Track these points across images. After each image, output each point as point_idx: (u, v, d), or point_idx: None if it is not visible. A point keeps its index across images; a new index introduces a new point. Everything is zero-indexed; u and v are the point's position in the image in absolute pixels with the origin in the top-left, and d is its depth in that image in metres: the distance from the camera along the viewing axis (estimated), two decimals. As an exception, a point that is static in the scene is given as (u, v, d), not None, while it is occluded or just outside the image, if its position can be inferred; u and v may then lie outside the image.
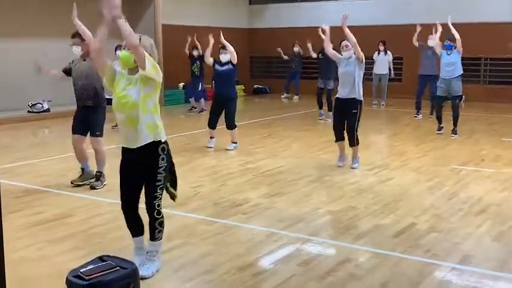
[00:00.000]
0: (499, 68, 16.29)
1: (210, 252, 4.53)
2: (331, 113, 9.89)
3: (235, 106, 8.96)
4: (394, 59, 14.87)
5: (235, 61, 8.66)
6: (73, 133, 6.59)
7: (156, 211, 4.02)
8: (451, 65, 9.91)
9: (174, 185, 4.23)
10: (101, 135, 6.57)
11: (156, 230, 4.07)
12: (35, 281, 4.03)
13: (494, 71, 16.45)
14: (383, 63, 14.49)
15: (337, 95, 7.51)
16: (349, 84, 7.25)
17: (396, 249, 4.59)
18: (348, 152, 7.66)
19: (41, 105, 13.11)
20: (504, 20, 15.41)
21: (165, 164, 4.00)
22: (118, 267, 3.55)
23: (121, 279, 3.49)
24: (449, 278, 4.09)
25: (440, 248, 4.64)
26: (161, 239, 4.14)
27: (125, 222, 4.17)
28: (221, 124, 8.99)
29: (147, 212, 4.05)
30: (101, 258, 3.69)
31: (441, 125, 10.19)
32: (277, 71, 19.50)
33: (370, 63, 13.60)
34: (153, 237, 4.09)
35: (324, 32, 8.09)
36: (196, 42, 13.54)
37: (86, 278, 3.42)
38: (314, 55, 12.29)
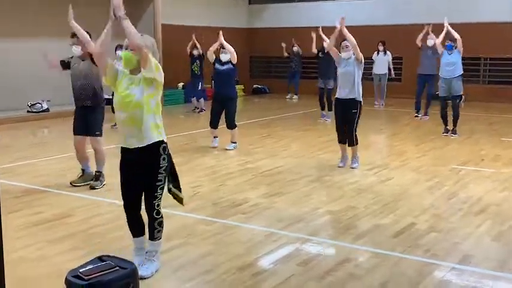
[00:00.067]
0: (498, 67, 16.29)
1: (209, 252, 4.52)
2: (331, 113, 9.90)
3: (236, 106, 8.96)
4: (393, 58, 14.87)
5: (235, 61, 8.66)
6: (75, 134, 6.58)
7: (155, 211, 4.02)
8: (451, 65, 9.92)
9: (177, 186, 4.23)
10: (100, 134, 6.57)
11: (156, 230, 4.07)
12: (34, 281, 4.02)
13: (494, 70, 16.46)
14: (382, 63, 14.49)
15: (336, 96, 7.50)
16: (349, 84, 7.25)
17: (396, 249, 4.59)
18: (348, 152, 7.65)
19: (40, 105, 13.11)
20: (504, 20, 15.41)
21: (166, 164, 4.01)
22: (117, 267, 3.55)
23: (120, 279, 3.49)
24: (448, 277, 4.09)
25: (439, 247, 4.64)
26: (160, 238, 4.14)
27: (127, 222, 4.17)
28: (221, 124, 8.98)
29: (146, 211, 4.05)
30: (100, 258, 3.69)
31: (447, 127, 10.17)
32: (277, 71, 19.52)
33: (369, 63, 13.61)
34: (152, 237, 4.10)
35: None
36: (196, 41, 13.54)
37: (85, 278, 3.42)
38: (315, 51, 12.24)
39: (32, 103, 13.07)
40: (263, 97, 18.42)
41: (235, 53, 8.63)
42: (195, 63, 13.60)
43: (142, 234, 4.18)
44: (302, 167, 7.68)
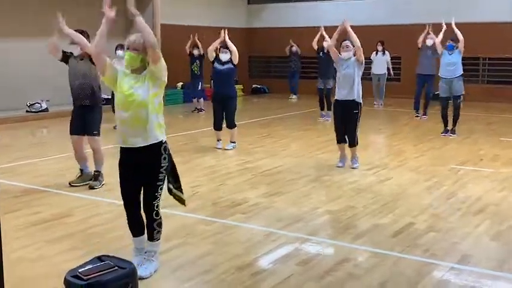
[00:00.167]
0: (497, 67, 16.31)
1: (208, 252, 4.52)
2: (331, 112, 9.89)
3: (236, 105, 8.95)
4: (392, 58, 14.87)
5: (236, 61, 8.66)
6: (72, 134, 6.58)
7: (155, 212, 4.03)
8: (452, 65, 9.92)
9: (178, 187, 4.24)
10: (98, 134, 6.56)
11: (155, 231, 4.08)
12: (33, 281, 4.02)
13: (492, 70, 16.47)
14: (381, 63, 14.48)
15: (335, 97, 7.48)
16: (348, 85, 7.23)
17: (395, 249, 4.59)
18: (348, 152, 7.64)
19: (39, 105, 13.10)
20: (504, 20, 15.41)
21: (167, 164, 4.02)
22: (116, 267, 3.55)
23: (119, 279, 3.49)
24: (447, 277, 4.09)
25: (438, 247, 4.64)
26: (159, 239, 4.15)
27: (127, 222, 4.17)
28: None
29: (145, 212, 4.05)
30: (99, 258, 3.68)
31: (447, 127, 10.18)
32: (276, 71, 19.52)
33: (368, 63, 13.60)
34: (151, 238, 4.10)
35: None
36: (197, 41, 13.55)
37: (84, 278, 3.42)
38: (315, 45, 12.17)
39: (31, 103, 13.07)
40: (262, 97, 18.43)
41: (237, 53, 8.63)
42: (195, 63, 13.60)
43: (142, 234, 4.18)
44: (301, 166, 7.68)
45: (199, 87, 13.87)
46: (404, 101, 14.67)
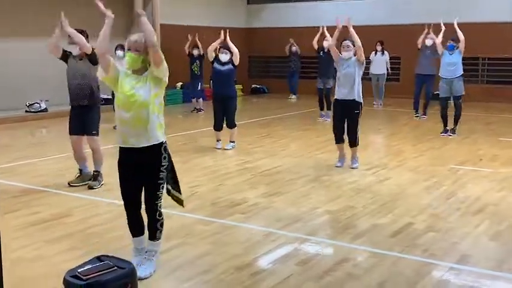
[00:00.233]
0: (496, 67, 16.31)
1: (207, 252, 4.53)
2: (330, 112, 9.88)
3: (236, 105, 8.95)
4: (391, 58, 14.87)
5: (237, 62, 8.66)
6: (71, 134, 6.57)
7: (158, 212, 4.03)
8: (452, 65, 9.91)
9: (177, 188, 4.23)
10: (97, 134, 6.55)
11: (157, 230, 4.09)
12: (32, 281, 4.02)
13: (492, 70, 16.47)
14: (380, 63, 14.48)
15: (335, 97, 7.47)
16: (349, 85, 7.22)
17: (394, 249, 4.60)
18: (347, 152, 7.64)
19: (38, 105, 13.10)
20: (504, 20, 15.41)
21: (167, 163, 4.02)
22: (116, 267, 3.55)
23: (118, 279, 3.49)
24: (447, 277, 4.10)
25: (437, 247, 4.65)
26: (161, 238, 4.16)
27: (127, 222, 4.16)
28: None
29: (147, 212, 4.04)
30: (98, 258, 3.68)
31: (446, 127, 10.18)
32: (275, 71, 19.51)
33: (367, 63, 13.58)
34: (153, 238, 4.11)
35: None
36: (198, 41, 13.55)
37: (84, 278, 3.42)
38: (315, 45, 12.14)
39: (30, 103, 13.06)
40: (261, 97, 18.43)
41: (238, 55, 8.62)
42: (194, 64, 13.60)
43: (142, 234, 4.18)
44: (301, 166, 7.69)
45: (199, 87, 13.87)
46: (403, 101, 14.67)
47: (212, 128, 9.04)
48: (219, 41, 8.81)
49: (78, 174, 6.67)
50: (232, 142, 8.97)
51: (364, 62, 7.30)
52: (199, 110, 13.75)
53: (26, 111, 12.98)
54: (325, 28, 11.43)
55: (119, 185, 4.08)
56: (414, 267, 4.26)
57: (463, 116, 10.40)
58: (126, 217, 4.16)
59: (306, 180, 6.95)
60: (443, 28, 10.72)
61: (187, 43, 13.79)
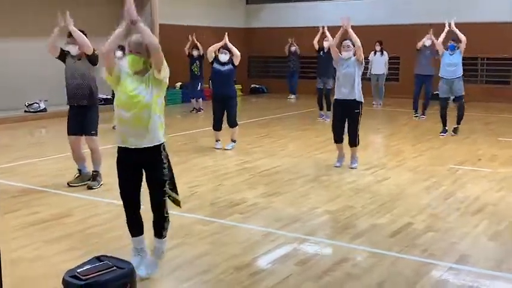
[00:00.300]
0: (496, 67, 16.32)
1: (207, 252, 4.53)
2: (330, 112, 9.88)
3: (236, 104, 8.95)
4: (390, 58, 14.87)
5: (237, 63, 8.66)
6: (69, 134, 6.56)
7: (165, 209, 4.01)
8: (453, 66, 9.89)
9: (174, 188, 4.23)
10: (95, 134, 6.55)
11: (165, 228, 4.07)
12: (31, 281, 4.02)
13: (491, 70, 16.48)
14: (379, 63, 14.48)
15: (335, 97, 7.47)
16: (349, 85, 7.21)
17: (393, 249, 4.60)
18: (346, 151, 7.64)
19: (37, 105, 13.10)
20: (504, 20, 15.42)
21: (167, 162, 4.00)
22: (115, 267, 3.55)
23: (118, 279, 3.49)
24: (446, 277, 4.10)
25: (437, 247, 4.65)
26: (166, 236, 4.14)
27: (126, 222, 4.15)
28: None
29: (155, 210, 4.01)
30: (98, 258, 3.69)
31: (446, 127, 10.18)
32: (275, 71, 19.52)
33: (366, 63, 13.59)
34: (160, 235, 4.09)
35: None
36: (196, 41, 13.55)
37: (83, 278, 3.42)
38: (316, 44, 12.13)
39: (30, 103, 13.06)
40: (261, 97, 18.43)
41: (240, 57, 8.63)
42: (194, 64, 13.60)
43: (141, 233, 4.17)
44: (300, 166, 7.69)
45: (199, 88, 13.88)
46: (403, 101, 14.67)
47: (211, 128, 9.04)
48: (222, 43, 8.82)
49: (78, 174, 6.67)
50: (233, 141, 8.97)
51: (364, 62, 7.30)
52: (199, 109, 13.77)
53: (25, 111, 12.98)
54: (325, 28, 11.43)
55: (118, 184, 4.07)
56: (413, 267, 4.26)
57: (463, 116, 10.39)
58: (125, 217, 4.15)
59: (305, 180, 6.95)
60: (447, 28, 10.50)
61: (187, 44, 13.79)
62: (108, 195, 6.09)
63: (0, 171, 7.40)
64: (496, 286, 4.03)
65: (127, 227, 4.18)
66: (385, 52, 14.51)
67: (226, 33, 8.95)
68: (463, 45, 9.89)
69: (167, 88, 4.11)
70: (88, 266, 3.55)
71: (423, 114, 12.47)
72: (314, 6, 18.22)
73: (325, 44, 11.38)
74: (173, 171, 4.17)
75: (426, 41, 12.05)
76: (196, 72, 13.64)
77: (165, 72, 3.89)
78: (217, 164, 7.92)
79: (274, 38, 18.26)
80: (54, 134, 11.12)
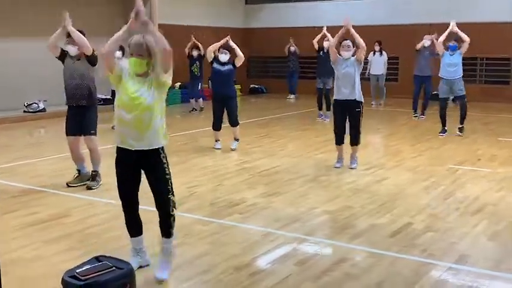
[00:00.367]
0: (495, 67, 16.32)
1: (206, 252, 4.53)
2: (329, 112, 9.87)
3: (237, 103, 8.94)
4: (390, 58, 14.87)
5: (238, 65, 8.66)
6: (68, 134, 6.55)
7: (171, 208, 3.97)
8: (454, 66, 9.87)
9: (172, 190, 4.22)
10: (95, 134, 6.54)
11: (172, 226, 4.02)
12: (30, 281, 4.02)
13: (490, 70, 16.48)
14: (379, 63, 14.48)
15: (335, 97, 7.45)
16: (350, 85, 7.20)
17: (392, 249, 4.60)
18: (347, 152, 7.63)
19: (36, 105, 13.09)
20: (504, 20, 15.42)
21: (167, 161, 3.98)
22: (114, 268, 3.55)
23: (117, 280, 3.49)
24: (445, 277, 4.10)
25: (436, 247, 4.65)
26: (174, 234, 4.09)
27: (125, 222, 4.15)
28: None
29: (160, 209, 3.97)
30: (97, 259, 3.68)
31: (445, 128, 10.17)
32: (274, 71, 19.52)
33: (365, 63, 13.59)
34: (168, 234, 4.04)
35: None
36: (198, 42, 13.55)
37: (82, 278, 3.41)
38: (315, 44, 12.12)
39: (29, 103, 13.06)
40: (260, 97, 18.43)
41: (243, 59, 8.63)
42: (194, 64, 13.60)
43: (140, 233, 4.17)
44: (299, 166, 7.69)
45: (199, 88, 13.90)
46: (402, 101, 14.68)
47: (211, 128, 9.03)
48: (222, 42, 8.81)
49: (77, 174, 6.67)
50: (236, 140, 8.94)
51: (362, 62, 7.30)
52: (201, 109, 13.79)
53: (24, 111, 12.98)
54: (325, 29, 11.44)
55: (117, 184, 4.06)
56: (412, 267, 4.26)
57: (462, 116, 10.40)
58: (124, 217, 4.15)
59: (305, 180, 6.95)
60: (450, 29, 10.20)
61: (188, 44, 13.79)
62: (107, 195, 6.08)
63: (-1, 172, 7.41)
64: (495, 286, 4.03)
65: (126, 227, 4.17)
66: (384, 52, 14.51)
67: (229, 36, 8.96)
68: (466, 46, 9.83)
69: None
70: (87, 266, 3.55)
71: (422, 114, 12.48)
72: (314, 6, 18.22)
73: (325, 44, 11.38)
74: (172, 171, 4.16)
75: (425, 42, 12.05)
76: (196, 73, 13.65)
77: (170, 75, 3.89)
78: (216, 164, 7.92)
79: (274, 38, 18.26)
80: (53, 134, 11.11)
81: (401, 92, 15.75)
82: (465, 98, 10.09)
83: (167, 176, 3.95)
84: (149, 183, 3.99)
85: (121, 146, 3.97)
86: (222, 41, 8.83)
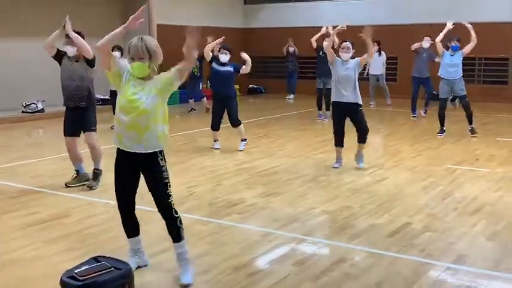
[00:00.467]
0: (493, 67, 16.33)
1: (205, 252, 4.53)
2: (329, 112, 9.86)
3: (237, 103, 8.90)
4: (388, 58, 14.87)
5: (243, 72, 8.68)
6: (66, 135, 6.55)
7: (173, 210, 3.91)
8: (454, 66, 9.83)
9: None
10: (95, 130, 6.54)
11: (180, 229, 3.94)
12: (29, 281, 4.02)
13: (489, 70, 16.49)
14: (378, 63, 14.49)
15: (333, 99, 7.40)
16: (350, 87, 7.16)
17: (391, 249, 4.60)
18: (347, 152, 7.64)
19: (35, 106, 13.08)
20: (504, 20, 15.42)
21: (165, 164, 3.94)
22: (113, 268, 3.55)
23: (115, 280, 3.50)
24: (443, 277, 4.10)
25: (434, 247, 4.66)
26: (184, 237, 4.00)
27: (122, 223, 4.14)
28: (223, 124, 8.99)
29: (163, 214, 3.92)
30: (95, 259, 3.69)
31: (443, 128, 10.17)
32: (273, 71, 19.50)
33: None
34: (178, 238, 3.96)
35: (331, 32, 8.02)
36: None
37: (81, 278, 3.42)
38: (314, 43, 12.10)
39: (27, 103, 13.04)
40: (258, 97, 18.42)
41: (249, 68, 8.67)
42: (194, 65, 13.57)
43: (137, 234, 4.16)
44: (298, 167, 7.69)
45: (200, 88, 13.89)
46: (401, 101, 14.67)
47: (210, 128, 9.03)
48: (218, 41, 8.81)
49: (75, 175, 6.66)
50: (243, 140, 8.90)
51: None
52: (207, 110, 13.75)
53: (23, 112, 12.97)
54: (324, 29, 11.42)
55: (114, 185, 4.02)
56: (411, 267, 4.26)
57: (460, 116, 10.42)
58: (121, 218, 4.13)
59: (304, 180, 6.96)
60: (446, 28, 10.19)
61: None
62: (106, 196, 6.08)
63: (-2, 172, 7.40)
64: (493, 286, 4.04)
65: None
66: (383, 52, 14.52)
67: (222, 38, 8.98)
68: (471, 47, 9.76)
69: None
70: (86, 267, 3.56)
71: (425, 112, 12.43)
72: (313, 6, 18.21)
73: (325, 44, 11.36)
74: (171, 171, 4.16)
75: (424, 43, 12.04)
76: (196, 73, 13.63)
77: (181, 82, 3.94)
78: (215, 164, 7.92)
79: (273, 38, 18.25)
80: (51, 134, 11.10)
81: (400, 92, 15.74)
82: (466, 98, 10.07)
83: (165, 181, 3.89)
84: (148, 187, 3.96)
85: (119, 147, 3.96)
86: (218, 40, 8.83)
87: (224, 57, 8.63)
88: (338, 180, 6.96)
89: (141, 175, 3.99)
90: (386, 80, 15.11)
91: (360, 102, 7.25)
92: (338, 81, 7.27)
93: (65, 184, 6.58)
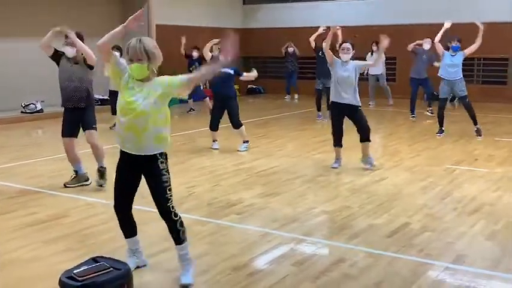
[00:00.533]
0: (493, 67, 16.34)
1: (204, 252, 4.53)
2: (328, 112, 9.84)
3: (237, 104, 8.88)
4: (387, 59, 14.86)
5: (245, 79, 8.72)
6: (63, 136, 6.54)
7: (173, 213, 3.88)
8: (455, 67, 9.82)
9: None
10: (95, 128, 6.53)
11: (180, 231, 3.92)
12: (28, 282, 4.02)
13: (488, 70, 16.50)
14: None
15: (333, 100, 7.39)
16: (350, 89, 7.15)
17: (390, 249, 4.61)
18: (346, 152, 7.64)
19: (34, 106, 13.07)
20: (504, 20, 15.42)
21: (166, 167, 3.92)
22: (111, 268, 3.55)
23: (114, 281, 3.49)
24: (442, 277, 4.11)
25: (433, 247, 4.66)
26: (186, 239, 3.97)
27: (119, 224, 4.13)
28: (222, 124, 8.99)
29: (164, 217, 3.90)
30: (94, 259, 3.68)
31: (442, 128, 10.16)
32: (272, 71, 19.50)
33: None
34: (179, 241, 3.93)
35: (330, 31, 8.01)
36: (183, 41, 13.59)
37: (79, 279, 3.42)
38: (312, 42, 12.08)
39: (26, 103, 13.04)
40: (257, 97, 18.43)
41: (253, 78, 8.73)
42: (194, 65, 13.58)
43: (135, 234, 4.15)
44: (297, 167, 7.69)
45: (201, 88, 13.89)
46: (400, 101, 14.68)
47: (208, 128, 9.03)
48: (216, 41, 8.82)
49: (74, 175, 6.65)
50: (245, 142, 8.89)
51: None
52: (210, 109, 13.77)
53: (22, 112, 12.96)
54: (321, 28, 11.41)
55: (114, 185, 4.02)
56: (410, 267, 4.27)
57: (459, 116, 10.44)
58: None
59: (303, 180, 6.96)
60: (444, 28, 10.11)
61: (182, 45, 13.80)
62: (104, 196, 6.07)
63: (-3, 172, 7.40)
64: (492, 286, 4.04)
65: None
66: (382, 52, 14.50)
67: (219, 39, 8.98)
68: (474, 48, 9.71)
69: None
70: (85, 267, 3.55)
71: (432, 112, 12.33)
72: (312, 7, 18.20)
73: (324, 45, 11.34)
74: (170, 171, 4.16)
75: (424, 45, 12.04)
76: (195, 73, 13.64)
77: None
78: (214, 164, 7.92)
79: (272, 38, 18.25)
80: (50, 134, 11.10)
81: (399, 93, 15.74)
82: (467, 98, 10.07)
83: (165, 184, 3.85)
84: (149, 188, 3.95)
85: (121, 148, 3.96)
86: (216, 40, 8.83)
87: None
88: (337, 180, 6.96)
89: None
90: (386, 80, 15.11)
91: (358, 104, 7.25)
92: (338, 82, 7.26)
93: (64, 184, 6.57)
